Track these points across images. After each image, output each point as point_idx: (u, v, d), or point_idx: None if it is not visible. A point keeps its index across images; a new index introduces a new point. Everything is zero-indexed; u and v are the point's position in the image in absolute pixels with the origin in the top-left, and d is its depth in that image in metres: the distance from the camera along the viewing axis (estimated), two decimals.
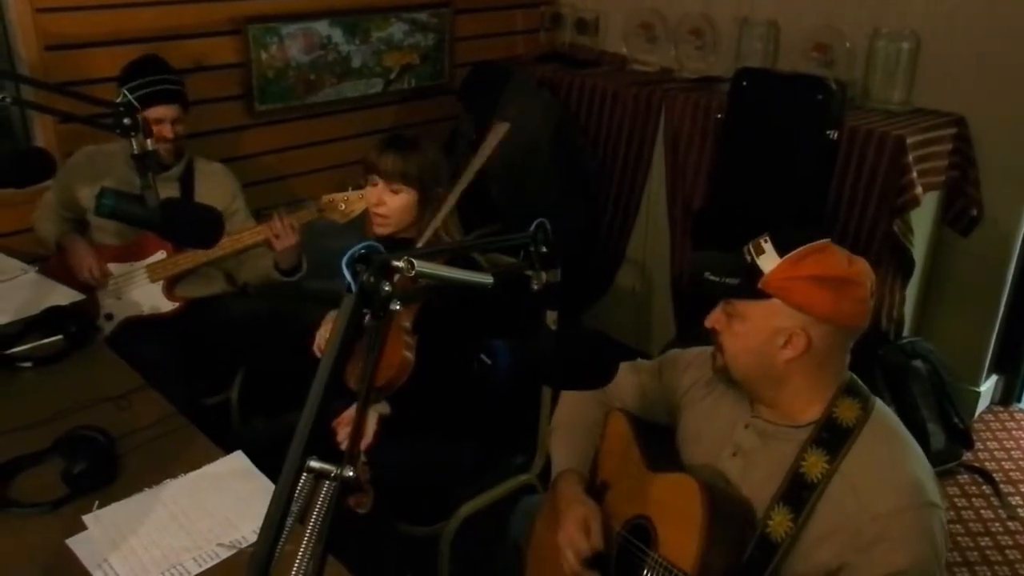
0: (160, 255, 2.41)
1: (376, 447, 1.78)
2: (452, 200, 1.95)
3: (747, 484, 1.37)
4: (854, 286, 1.29)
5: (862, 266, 1.32)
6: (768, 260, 1.30)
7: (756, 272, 1.30)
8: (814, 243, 1.31)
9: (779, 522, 1.28)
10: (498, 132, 2.08)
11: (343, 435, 1.80)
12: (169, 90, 2.38)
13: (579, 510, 1.47)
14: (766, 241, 1.32)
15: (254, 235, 2.31)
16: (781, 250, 1.30)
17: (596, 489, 1.58)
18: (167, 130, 2.37)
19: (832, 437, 1.30)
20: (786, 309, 1.29)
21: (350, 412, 1.84)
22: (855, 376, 1.38)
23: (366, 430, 1.78)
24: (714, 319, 1.39)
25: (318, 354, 1.94)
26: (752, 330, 1.32)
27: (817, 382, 1.34)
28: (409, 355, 1.71)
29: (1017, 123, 2.77)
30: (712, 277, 1.34)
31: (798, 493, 1.28)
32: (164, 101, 2.36)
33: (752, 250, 1.33)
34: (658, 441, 1.53)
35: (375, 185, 1.98)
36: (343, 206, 2.22)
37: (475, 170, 1.97)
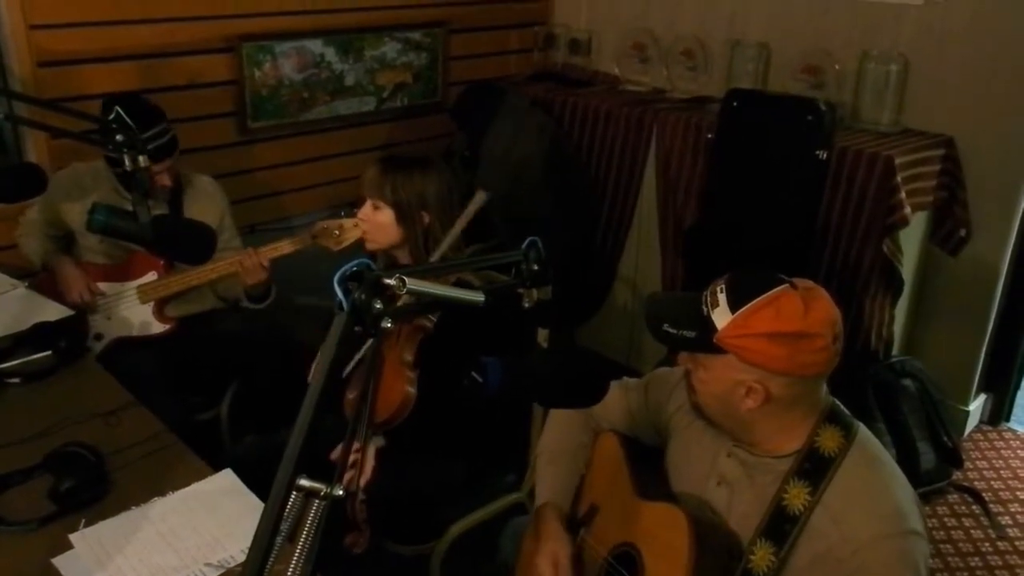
0: (151, 276, 2.37)
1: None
2: (448, 240, 1.96)
3: (733, 516, 1.36)
4: (810, 339, 1.25)
5: (821, 313, 1.27)
6: (721, 315, 1.28)
7: (711, 326, 1.28)
8: (769, 293, 1.27)
9: (761, 556, 1.28)
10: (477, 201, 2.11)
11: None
12: (172, 140, 2.31)
13: (551, 547, 1.50)
14: (721, 291, 1.30)
15: (225, 267, 2.24)
16: (735, 303, 1.27)
17: (584, 512, 1.58)
18: (167, 179, 2.32)
19: (814, 468, 1.29)
20: (742, 364, 1.27)
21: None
22: (837, 402, 1.36)
23: (365, 467, 1.78)
24: (682, 359, 1.40)
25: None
26: (713, 380, 1.32)
27: (789, 422, 1.32)
28: (411, 390, 1.72)
29: (1005, 144, 2.80)
30: (670, 330, 1.33)
31: (780, 526, 1.28)
32: (169, 154, 2.30)
33: (708, 300, 1.31)
34: (648, 464, 1.52)
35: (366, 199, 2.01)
36: (337, 233, 2.20)
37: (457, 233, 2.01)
